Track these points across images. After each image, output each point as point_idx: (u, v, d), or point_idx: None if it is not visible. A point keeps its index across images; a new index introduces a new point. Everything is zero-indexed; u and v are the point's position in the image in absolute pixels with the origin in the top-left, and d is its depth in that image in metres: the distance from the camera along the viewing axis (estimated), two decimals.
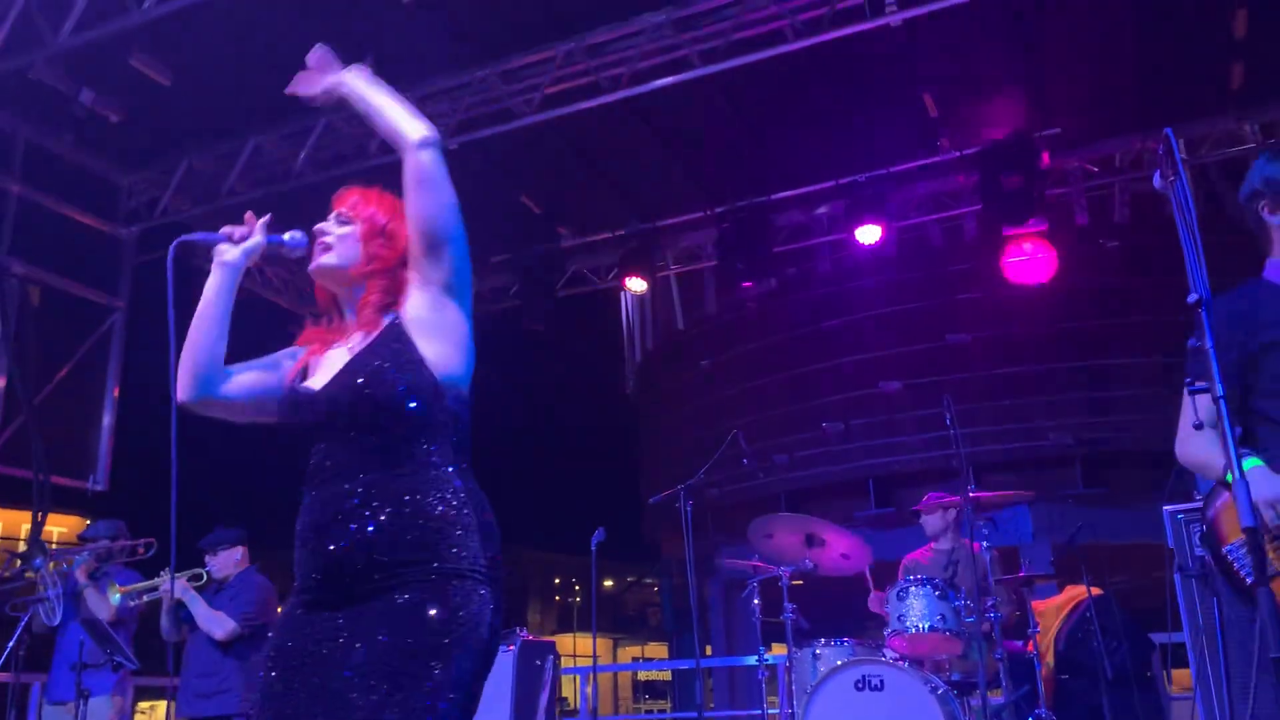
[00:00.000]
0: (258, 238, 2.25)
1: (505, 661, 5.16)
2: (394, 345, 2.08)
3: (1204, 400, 2.43)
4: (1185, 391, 2.49)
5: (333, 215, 2.28)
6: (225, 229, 2.26)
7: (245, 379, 2.26)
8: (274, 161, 8.22)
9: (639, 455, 12.97)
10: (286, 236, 2.28)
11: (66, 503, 7.62)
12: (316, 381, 2.14)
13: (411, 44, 6.95)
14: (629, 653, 36.02)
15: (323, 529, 1.98)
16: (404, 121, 2.14)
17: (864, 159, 8.51)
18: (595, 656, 5.95)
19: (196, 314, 2.22)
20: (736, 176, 8.96)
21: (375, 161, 7.65)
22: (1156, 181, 2.12)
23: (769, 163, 8.73)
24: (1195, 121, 8.18)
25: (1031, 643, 5.29)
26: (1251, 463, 2.29)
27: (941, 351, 9.37)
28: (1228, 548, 2.31)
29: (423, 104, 7.59)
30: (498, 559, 2.03)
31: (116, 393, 8.28)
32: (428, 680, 1.81)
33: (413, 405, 2.02)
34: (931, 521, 5.83)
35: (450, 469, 2.05)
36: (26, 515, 7.66)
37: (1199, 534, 2.41)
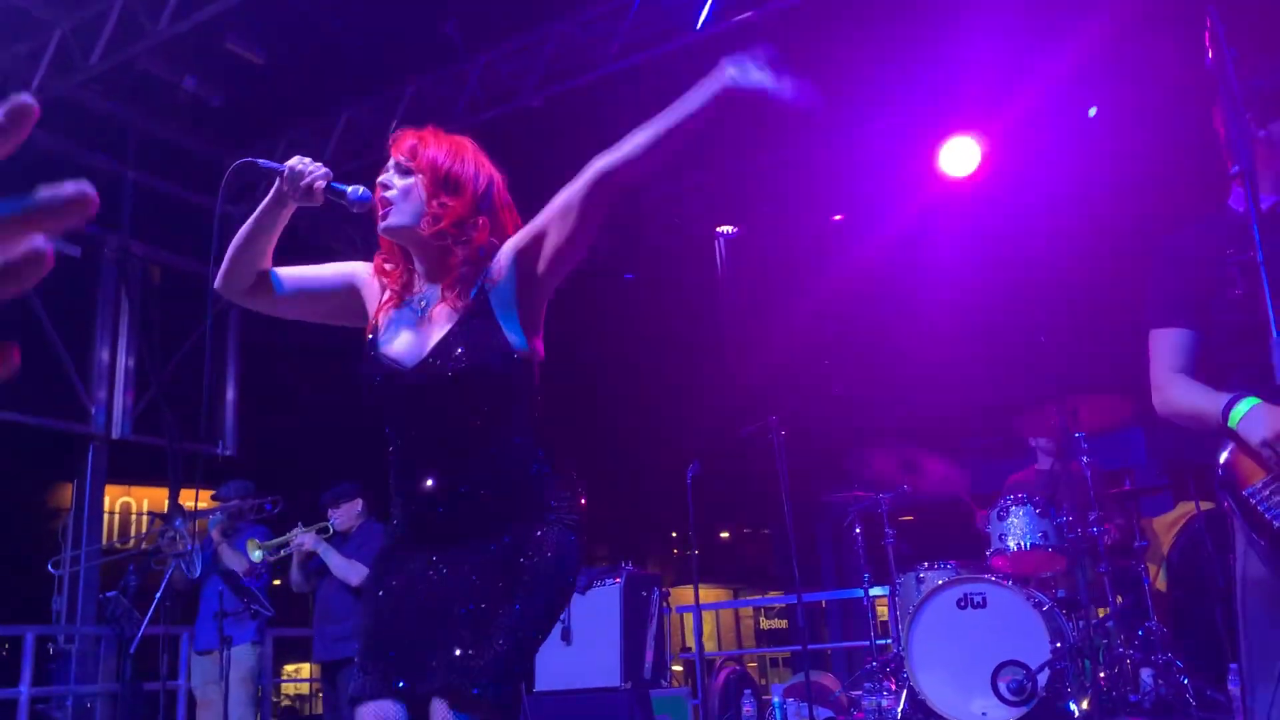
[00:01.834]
0: (319, 179, 2.24)
1: (613, 593, 5.34)
2: (482, 324, 2.12)
3: (1174, 342, 2.32)
4: (1153, 333, 2.34)
5: (391, 164, 2.23)
6: (291, 160, 2.25)
7: (295, 281, 2.34)
8: (368, 131, 8.47)
9: (743, 398, 12.98)
10: (350, 189, 2.25)
11: (199, 468, 8.08)
12: (400, 350, 2.15)
13: (488, 3, 7.06)
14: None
15: (421, 496, 2.11)
16: (638, 143, 2.09)
17: (955, 82, 8.30)
18: (697, 592, 6.07)
19: (245, 224, 2.29)
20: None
21: (463, 122, 7.82)
22: (1209, 63, 2.09)
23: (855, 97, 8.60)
24: None
25: (1142, 558, 5.22)
26: (1249, 401, 2.14)
27: (1040, 277, 9.14)
28: (1249, 489, 2.15)
29: (502, 63, 7.71)
30: (581, 507, 2.26)
31: (237, 368, 8.73)
32: (516, 605, 2.02)
33: (499, 384, 2.11)
34: (1040, 443, 5.78)
35: (529, 439, 2.18)
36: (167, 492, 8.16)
37: (1216, 480, 2.19)
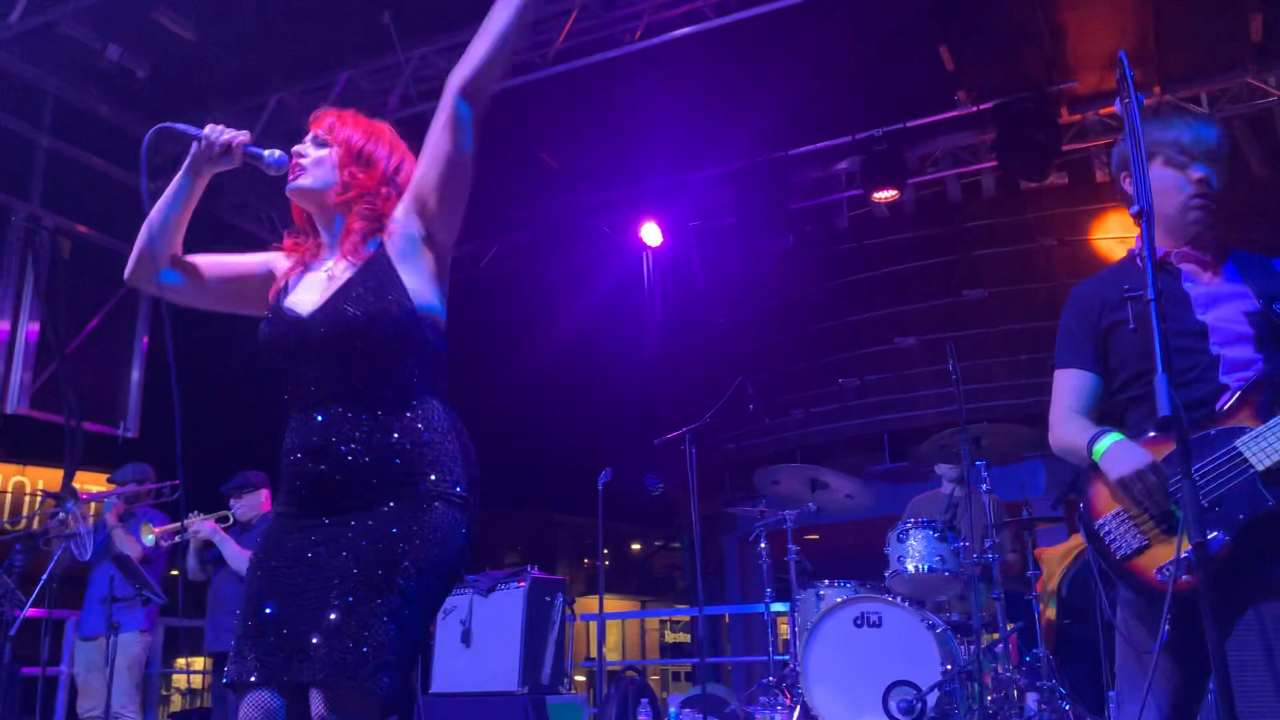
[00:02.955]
0: (236, 143, 2.27)
1: (516, 597, 5.32)
2: (379, 274, 2.12)
3: (1073, 384, 2.46)
4: (1055, 373, 2.48)
5: (309, 136, 2.29)
6: (208, 126, 2.29)
7: (210, 267, 2.36)
8: (296, 116, 8.33)
9: (660, 413, 13.09)
10: (266, 153, 2.29)
11: (98, 449, 7.83)
12: (300, 302, 2.17)
13: None
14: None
15: (310, 449, 2.06)
16: (482, 47, 2.15)
17: (881, 114, 8.51)
18: (601, 601, 6.08)
19: (158, 201, 2.31)
20: (753, 132, 8.98)
21: (396, 116, 7.75)
22: (1117, 106, 2.18)
23: (787, 118, 8.75)
24: (1216, 76, 8.11)
25: (1038, 585, 5.38)
26: (1112, 437, 2.27)
27: (958, 307, 9.39)
28: (1100, 521, 2.28)
29: (437, 58, 7.67)
30: (475, 483, 2.14)
31: (145, 344, 8.49)
32: (397, 591, 1.95)
33: (396, 332, 2.09)
34: (944, 469, 5.92)
35: (430, 396, 2.14)
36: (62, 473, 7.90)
37: (1077, 516, 2.33)
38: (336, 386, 2.08)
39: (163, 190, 2.34)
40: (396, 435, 2.06)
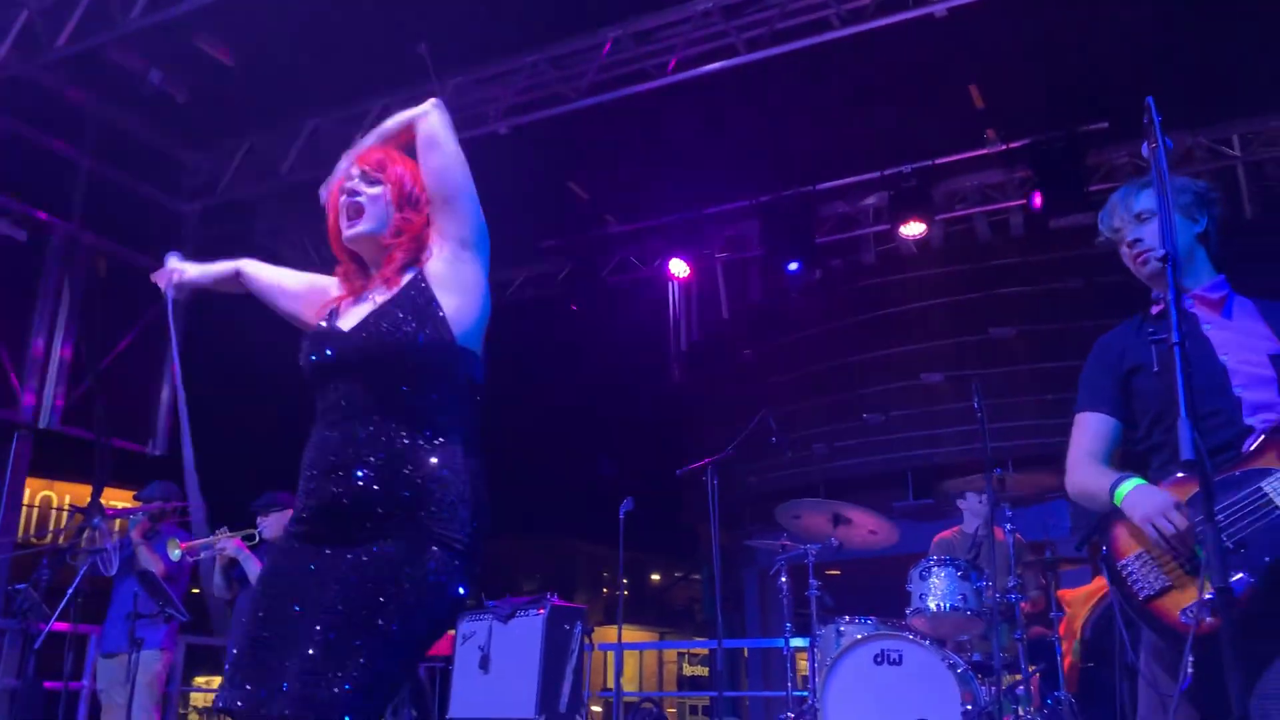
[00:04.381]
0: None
1: (535, 624, 5.32)
2: (416, 299, 2.14)
3: (1093, 428, 2.48)
4: (1076, 418, 2.52)
5: (356, 171, 2.29)
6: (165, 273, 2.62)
7: (269, 279, 2.50)
8: (331, 143, 8.46)
9: (684, 444, 13.10)
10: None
11: (127, 467, 7.92)
12: (343, 321, 2.21)
13: (463, 29, 7.13)
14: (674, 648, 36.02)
15: (326, 467, 2.06)
16: (406, 114, 2.30)
17: (910, 150, 8.54)
18: (620, 631, 6.06)
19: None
20: (782, 165, 9.04)
21: None
22: (1145, 150, 2.20)
23: (814, 152, 8.80)
24: (1250, 117, 8.10)
25: (1061, 627, 5.32)
26: (1133, 482, 2.29)
27: (985, 344, 9.36)
28: (1122, 562, 2.29)
29: (473, 89, 7.78)
30: (481, 533, 2.09)
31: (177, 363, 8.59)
32: (379, 634, 1.90)
33: (429, 357, 2.09)
34: (969, 505, 5.89)
35: (456, 436, 2.11)
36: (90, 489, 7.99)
37: (1100, 558, 2.36)
38: (361, 406, 2.08)
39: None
40: (411, 468, 2.04)
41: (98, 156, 8.09)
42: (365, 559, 1.97)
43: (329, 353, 2.16)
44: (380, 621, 1.91)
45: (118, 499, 7.50)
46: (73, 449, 8.08)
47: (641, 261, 10.33)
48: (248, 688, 1.94)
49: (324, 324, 2.25)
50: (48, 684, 6.49)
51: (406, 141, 2.31)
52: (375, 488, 2.01)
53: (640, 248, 10.25)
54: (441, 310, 2.14)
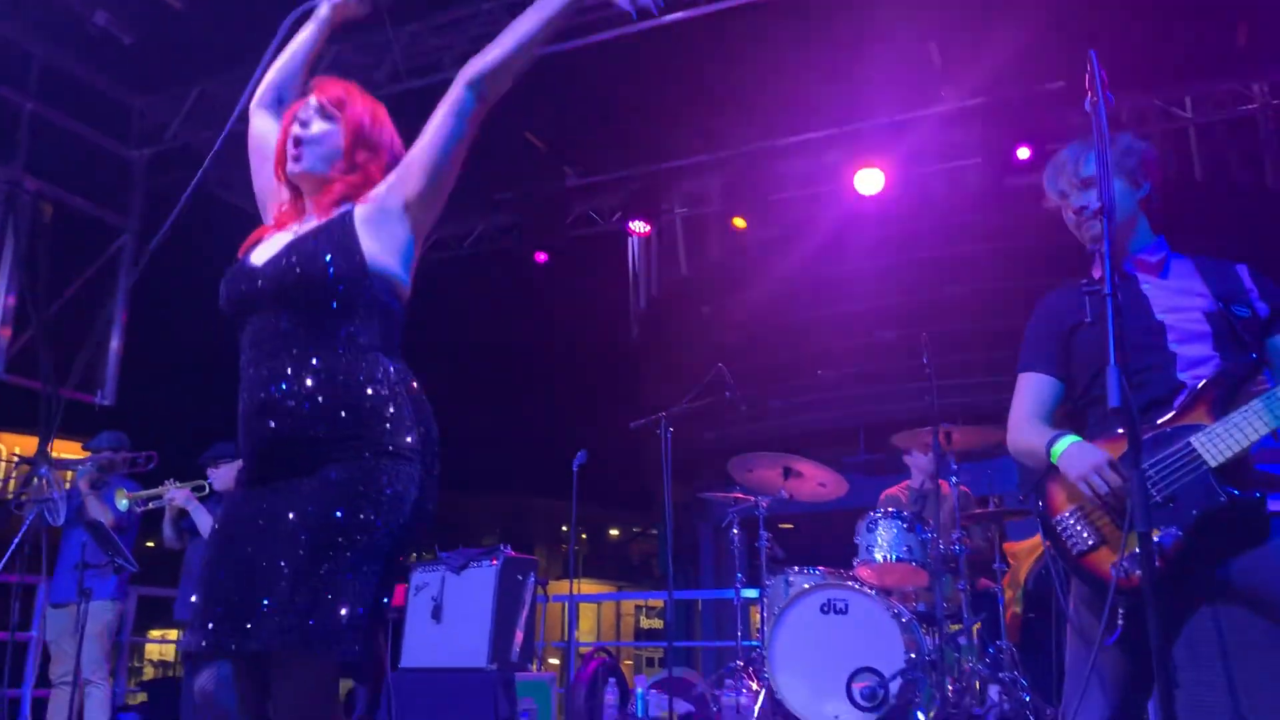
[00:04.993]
0: None
1: (488, 575, 5.35)
2: (336, 233, 2.11)
3: (1034, 388, 2.52)
4: (1019, 377, 2.57)
5: (313, 102, 2.25)
6: None
7: (260, 138, 2.49)
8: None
9: (642, 400, 13.14)
10: None
11: (75, 418, 7.81)
12: (260, 255, 2.17)
13: None
14: (632, 601, 36.38)
15: (258, 406, 2.05)
16: (503, 48, 2.20)
17: (868, 107, 8.53)
18: (572, 583, 6.12)
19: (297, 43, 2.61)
20: (741, 121, 9.00)
21: (382, 92, 7.73)
22: (1085, 104, 2.22)
23: (774, 108, 8.76)
24: (1200, 80, 8.18)
25: (1005, 579, 5.45)
26: (1068, 440, 2.33)
27: (939, 303, 9.46)
28: (1057, 518, 2.34)
29: (427, 35, 7.66)
30: (431, 436, 2.10)
31: (124, 315, 8.46)
32: (344, 555, 1.91)
33: (338, 286, 2.06)
34: (916, 461, 5.98)
35: (382, 355, 2.10)
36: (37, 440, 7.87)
37: (1036, 511, 2.41)
38: (280, 340, 2.06)
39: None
40: (344, 390, 2.03)
41: (41, 99, 7.87)
42: (318, 486, 1.97)
43: (242, 288, 2.14)
44: (344, 544, 1.91)
45: (66, 450, 7.39)
46: (19, 399, 7.94)
47: (600, 217, 10.27)
48: (209, 627, 1.95)
49: (242, 260, 2.21)
50: None
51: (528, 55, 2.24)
52: (311, 415, 2.01)
53: (599, 201, 10.19)
54: (360, 249, 2.11)
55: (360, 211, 2.17)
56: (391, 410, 2.05)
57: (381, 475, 1.99)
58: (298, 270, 2.07)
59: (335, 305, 2.08)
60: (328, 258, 2.08)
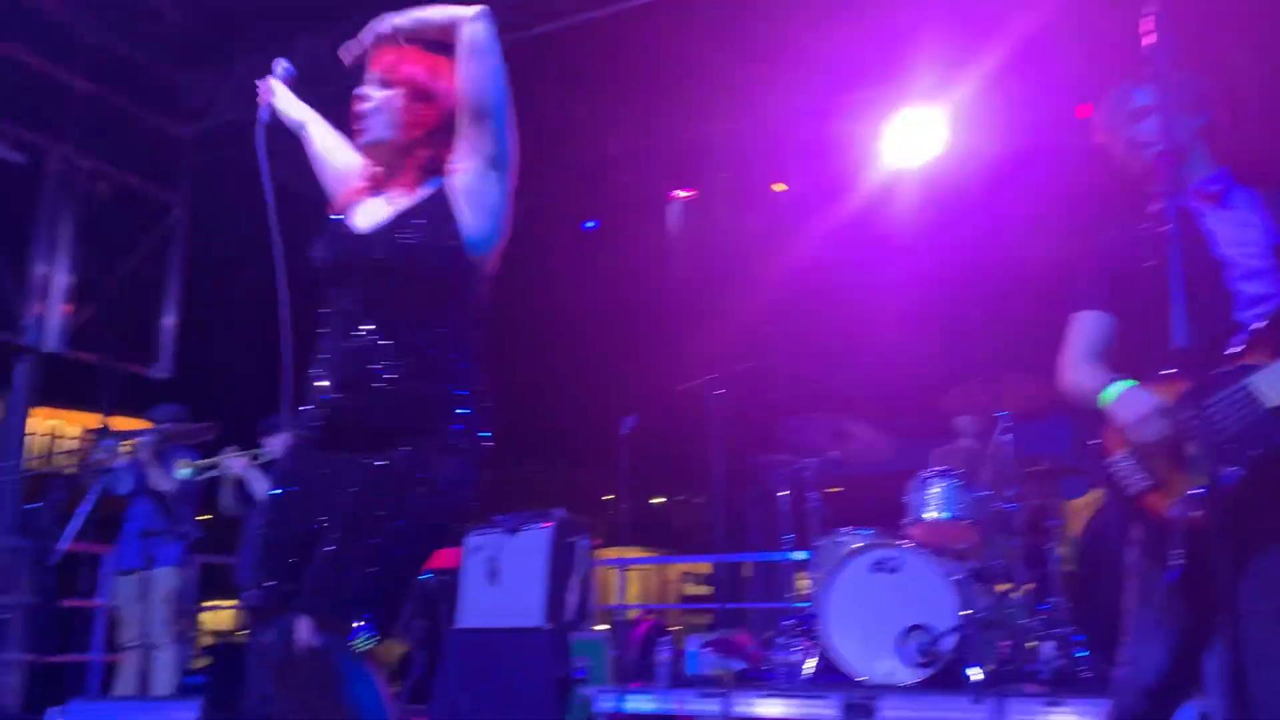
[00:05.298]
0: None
1: (541, 536, 5.42)
2: (436, 211, 2.17)
3: (1089, 326, 2.50)
4: (1072, 317, 2.54)
5: (372, 76, 2.32)
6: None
7: (325, 141, 2.59)
8: (325, 62, 8.33)
9: (687, 366, 13.11)
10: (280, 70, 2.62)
11: (132, 392, 7.96)
12: (361, 220, 2.24)
13: None
14: (677, 568, 36.60)
15: (338, 378, 2.11)
16: (453, 10, 2.25)
17: (913, 64, 8.38)
18: (621, 548, 6.14)
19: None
20: (784, 83, 8.88)
21: None
22: (1144, 39, 2.18)
23: (819, 69, 8.64)
24: None
25: (1059, 536, 5.41)
26: (1121, 385, 2.32)
27: (989, 261, 9.32)
28: (1112, 459, 2.33)
29: None
30: (488, 439, 2.19)
31: (179, 290, 8.58)
32: (393, 533, 2.00)
33: (444, 269, 2.13)
34: (966, 421, 5.95)
35: (467, 347, 2.18)
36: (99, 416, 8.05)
37: (1091, 453, 2.41)
38: (376, 314, 2.11)
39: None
40: (428, 378, 2.09)
41: (90, 78, 7.97)
42: (382, 464, 2.04)
43: (347, 252, 2.20)
44: (394, 523, 2.00)
45: (125, 425, 7.55)
46: (79, 377, 8.11)
47: (643, 182, 10.22)
48: (269, 584, 2.05)
49: (340, 223, 2.27)
50: (64, 601, 6.63)
51: (434, 40, 2.30)
52: (386, 392, 2.07)
53: (641, 168, 10.13)
54: (460, 225, 2.16)
55: (455, 182, 2.22)
56: (467, 409, 2.13)
57: (443, 469, 2.07)
58: (408, 247, 2.13)
59: (436, 288, 2.15)
60: (432, 236, 2.14)
